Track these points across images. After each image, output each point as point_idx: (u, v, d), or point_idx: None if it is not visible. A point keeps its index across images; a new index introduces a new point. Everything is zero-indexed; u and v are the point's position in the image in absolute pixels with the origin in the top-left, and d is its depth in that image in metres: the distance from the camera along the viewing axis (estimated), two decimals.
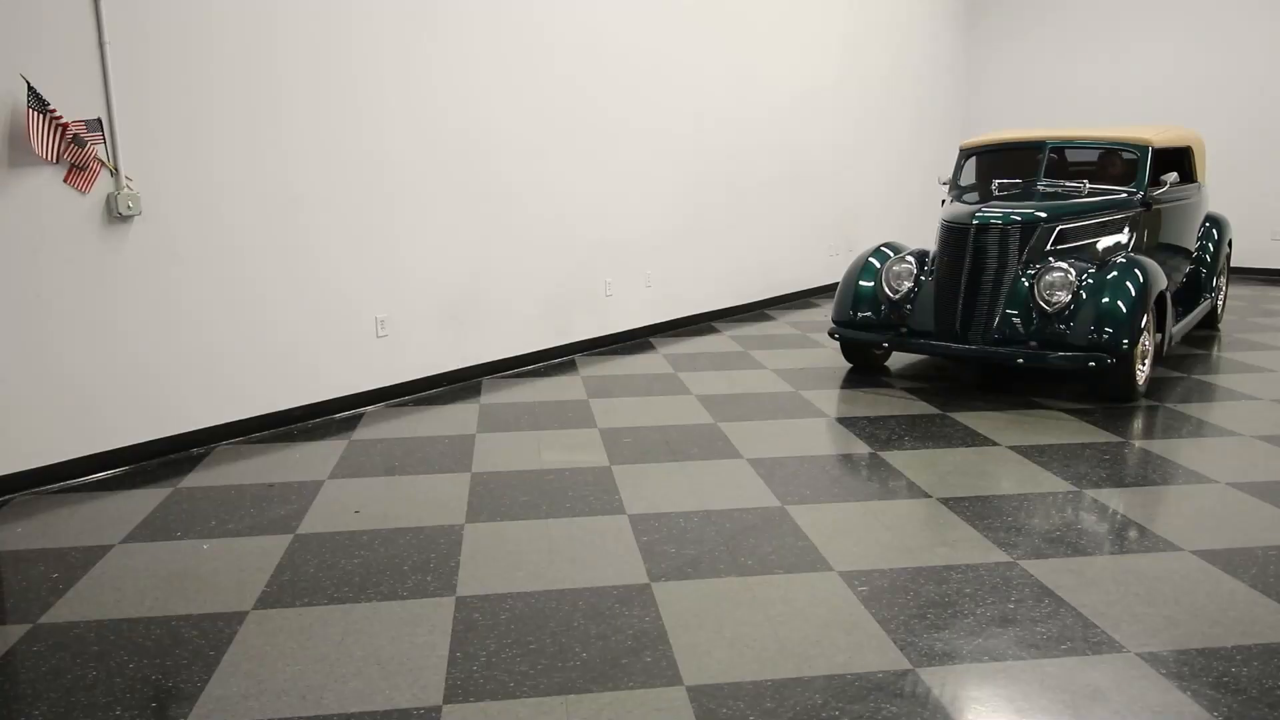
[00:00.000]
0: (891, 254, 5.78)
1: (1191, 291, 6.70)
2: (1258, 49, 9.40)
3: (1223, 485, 3.89)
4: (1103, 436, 4.57)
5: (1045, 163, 6.01)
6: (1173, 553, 3.25)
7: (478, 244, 5.75)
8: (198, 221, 4.42)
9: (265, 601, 2.98)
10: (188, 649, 2.70)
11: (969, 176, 6.37)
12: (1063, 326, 4.91)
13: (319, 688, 2.49)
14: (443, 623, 2.82)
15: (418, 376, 5.52)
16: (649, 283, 7.08)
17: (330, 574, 3.17)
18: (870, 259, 5.81)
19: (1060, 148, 6.12)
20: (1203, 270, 6.83)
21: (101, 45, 3.99)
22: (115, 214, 4.11)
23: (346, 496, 3.90)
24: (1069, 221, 5.32)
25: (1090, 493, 3.81)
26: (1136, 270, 4.97)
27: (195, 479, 4.14)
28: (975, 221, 5.17)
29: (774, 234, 8.41)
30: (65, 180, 3.95)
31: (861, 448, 4.45)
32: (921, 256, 5.62)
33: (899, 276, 5.54)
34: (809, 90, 8.58)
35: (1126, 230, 5.65)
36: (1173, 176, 5.81)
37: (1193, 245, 6.79)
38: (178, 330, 4.39)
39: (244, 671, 2.58)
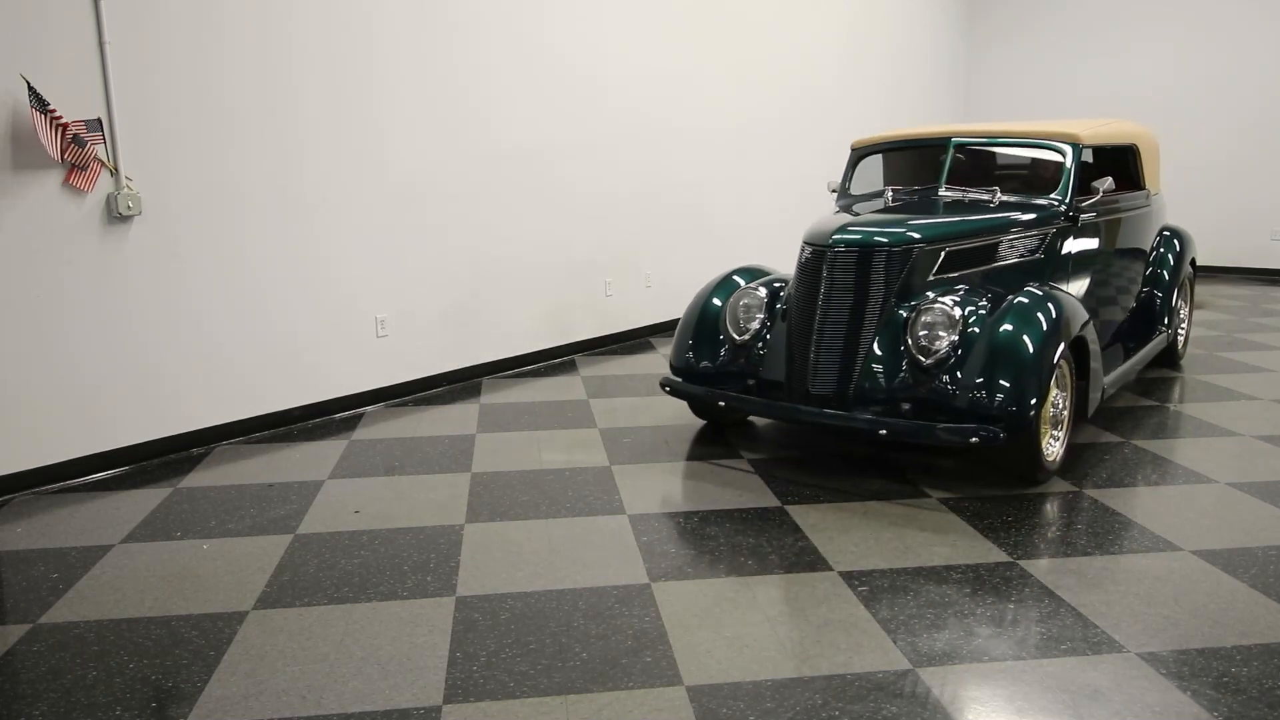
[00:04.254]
0: (744, 281, 4.56)
1: (1140, 325, 5.47)
2: (1257, 49, 9.40)
3: (1223, 485, 3.88)
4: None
5: (948, 165, 4.81)
6: (1173, 553, 3.25)
7: (478, 244, 5.75)
8: (198, 221, 4.42)
9: (265, 601, 2.98)
10: (188, 649, 2.70)
11: (868, 182, 5.26)
12: (944, 385, 3.67)
13: (319, 688, 2.49)
14: (443, 623, 2.82)
15: (418, 376, 5.52)
16: (649, 283, 7.08)
17: (330, 574, 3.17)
18: (718, 287, 4.57)
19: (970, 146, 4.96)
20: (1156, 297, 5.56)
21: (101, 45, 3.99)
22: (115, 214, 4.11)
23: (346, 496, 3.90)
24: (961, 241, 4.11)
25: (1091, 492, 3.81)
26: (1042, 308, 3.78)
27: (195, 479, 4.14)
28: (831, 242, 3.94)
29: (776, 233, 8.41)
30: (65, 180, 3.95)
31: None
32: (781, 285, 4.42)
33: (747, 311, 4.28)
34: (809, 90, 8.58)
35: (1043, 251, 4.45)
36: (1107, 182, 4.56)
37: (1141, 267, 5.56)
38: (178, 330, 4.39)
39: (244, 671, 2.58)
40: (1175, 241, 5.80)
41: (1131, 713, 2.33)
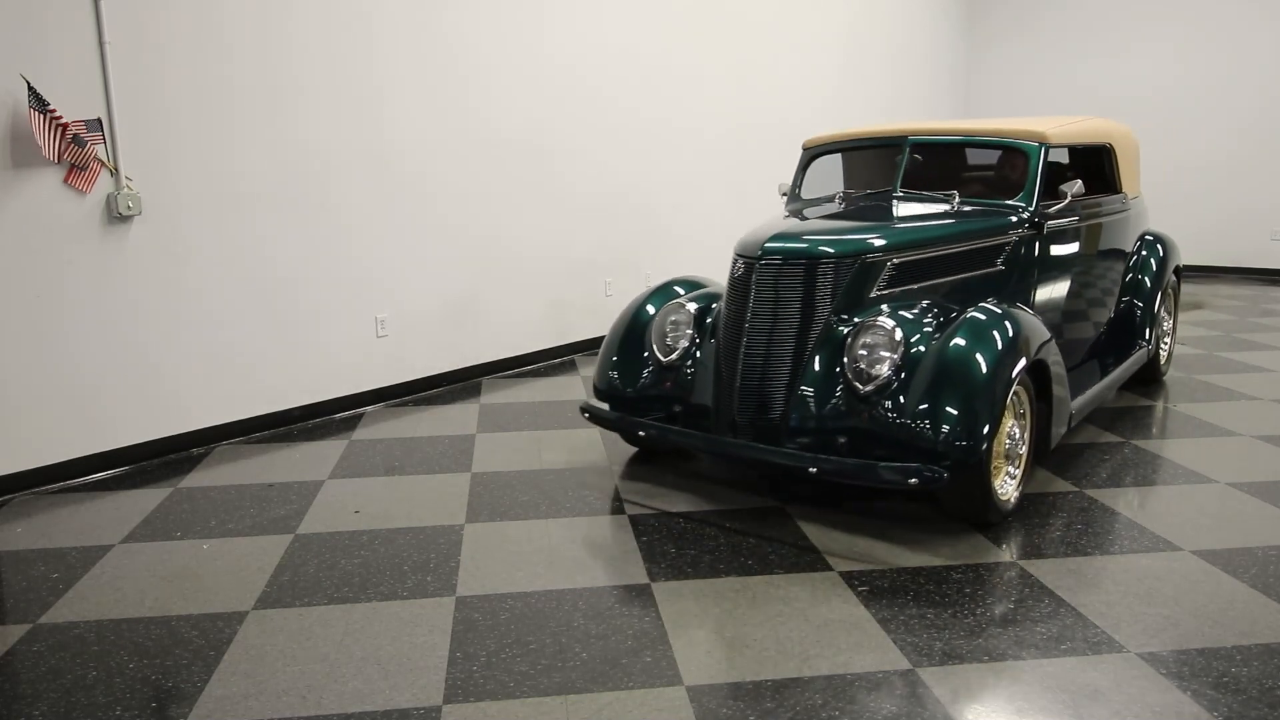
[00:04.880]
0: (681, 292, 4.14)
1: (1118, 339, 5.08)
2: (1257, 49, 9.40)
3: (1223, 485, 3.88)
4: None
5: (904, 167, 4.42)
6: (1173, 553, 3.25)
7: (478, 244, 5.75)
8: (198, 222, 4.42)
9: (265, 601, 2.98)
10: (188, 649, 2.70)
11: (821, 185, 4.84)
12: (883, 415, 3.26)
13: (319, 688, 2.49)
14: (443, 623, 2.82)
15: (418, 376, 5.52)
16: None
17: (330, 574, 3.17)
18: (650, 299, 4.15)
19: (929, 146, 4.53)
20: (1135, 308, 5.13)
21: (101, 45, 3.99)
22: (115, 214, 4.11)
23: (346, 496, 3.90)
24: (910, 252, 3.66)
25: (1091, 492, 3.81)
26: (996, 326, 3.36)
27: (195, 479, 4.14)
28: (760, 253, 3.53)
29: None
30: (65, 180, 3.95)
31: None
32: (716, 299, 4.01)
33: (675, 328, 3.88)
34: (809, 90, 8.58)
35: (1005, 261, 4.01)
36: (1075, 186, 4.14)
37: (1118, 276, 5.15)
38: (178, 330, 4.39)
39: (244, 671, 2.58)
40: (1157, 247, 5.36)
41: (1131, 713, 2.33)
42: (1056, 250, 4.33)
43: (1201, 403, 5.11)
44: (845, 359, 3.37)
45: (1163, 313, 5.34)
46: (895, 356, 3.30)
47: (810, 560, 3.21)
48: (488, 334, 5.89)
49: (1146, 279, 5.22)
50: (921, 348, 3.33)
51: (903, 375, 3.28)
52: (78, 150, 3.91)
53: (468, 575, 3.14)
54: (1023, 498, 3.73)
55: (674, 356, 3.83)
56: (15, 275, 3.87)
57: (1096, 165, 5.01)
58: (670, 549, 3.32)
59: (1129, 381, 4.94)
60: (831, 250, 3.52)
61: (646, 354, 3.94)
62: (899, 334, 3.33)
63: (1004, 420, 3.36)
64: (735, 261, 3.65)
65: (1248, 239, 9.63)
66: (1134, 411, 4.96)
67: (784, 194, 4.93)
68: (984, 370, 3.21)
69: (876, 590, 2.99)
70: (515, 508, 3.73)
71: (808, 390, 3.42)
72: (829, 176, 4.91)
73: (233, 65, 4.46)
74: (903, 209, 4.20)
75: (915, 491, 3.60)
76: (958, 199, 4.17)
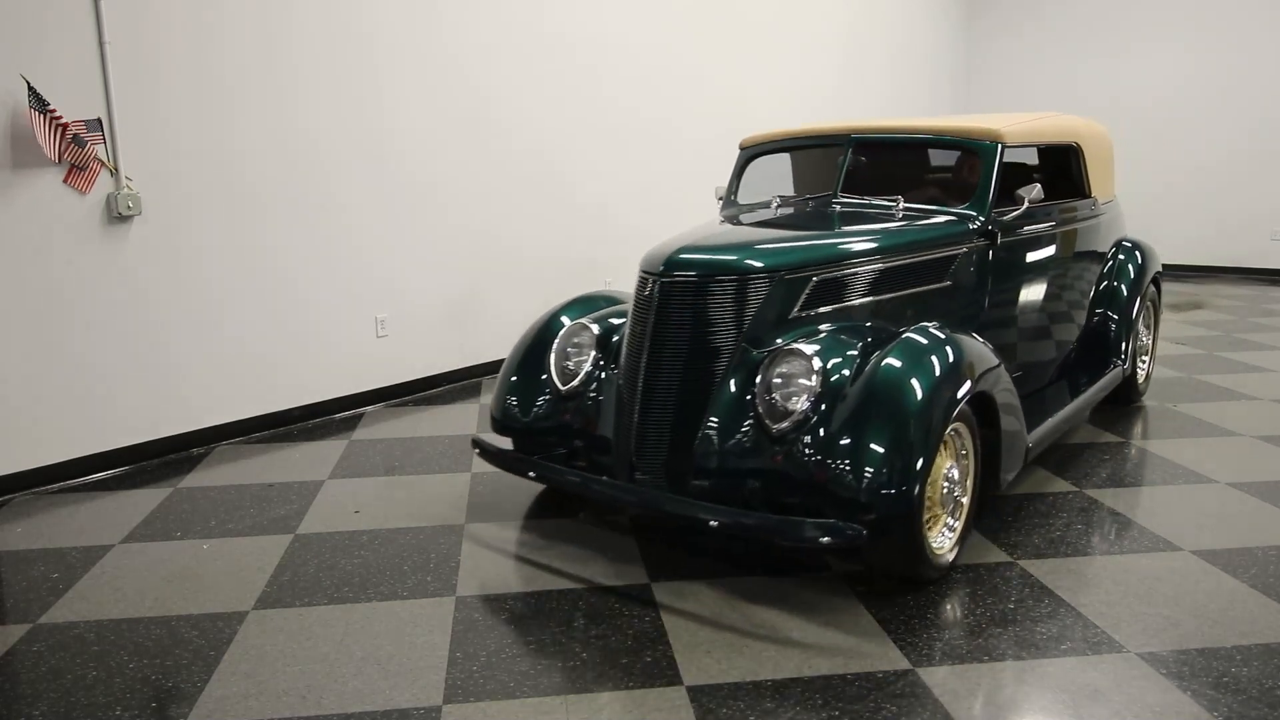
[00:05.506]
0: (589, 310, 3.73)
1: (1089, 357, 4.69)
2: (1258, 49, 9.39)
3: (1223, 485, 3.88)
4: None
5: (845, 168, 4.00)
6: (1173, 553, 3.25)
7: (478, 244, 5.75)
8: (198, 222, 4.42)
9: (265, 601, 2.98)
10: (188, 649, 2.70)
11: (769, 188, 4.37)
12: (799, 459, 2.80)
13: (319, 688, 2.49)
14: (443, 623, 2.82)
15: (418, 376, 5.52)
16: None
17: (330, 574, 3.17)
18: (555, 318, 3.71)
19: (874, 146, 4.09)
20: (1109, 324, 4.70)
21: (101, 45, 3.99)
22: (115, 214, 4.11)
23: (346, 496, 3.90)
24: (837, 266, 3.24)
25: (1091, 492, 3.81)
26: (933, 353, 2.93)
27: (195, 479, 4.14)
28: (663, 269, 3.09)
29: None
30: (65, 180, 3.95)
31: None
32: (625, 319, 3.44)
33: (579, 351, 3.47)
34: (807, 89, 8.58)
35: (952, 276, 3.60)
36: (1033, 190, 3.72)
37: (1089, 289, 4.72)
38: (177, 330, 4.39)
39: (244, 671, 2.58)
40: (1135, 255, 4.94)
41: (1131, 713, 2.33)
42: (1014, 262, 3.93)
43: (1201, 403, 5.11)
44: (757, 392, 2.91)
45: (1141, 327, 4.93)
46: (813, 389, 2.84)
47: (810, 561, 3.21)
48: (488, 334, 5.89)
49: (1121, 290, 4.78)
50: (842, 380, 2.88)
51: (822, 411, 2.82)
52: (78, 150, 3.91)
53: (468, 575, 3.14)
54: (1023, 499, 3.73)
55: (574, 384, 3.38)
56: (15, 275, 3.87)
57: (1063, 167, 4.59)
58: (671, 548, 3.32)
59: (1102, 406, 4.74)
60: (745, 265, 3.06)
61: (546, 380, 3.48)
62: (818, 363, 2.88)
63: (940, 462, 2.94)
64: (640, 279, 3.19)
65: (1248, 239, 9.63)
66: (1134, 411, 4.96)
67: (720, 198, 4.53)
68: (914, 405, 2.77)
69: (876, 590, 2.98)
70: (515, 507, 3.73)
71: (714, 428, 2.95)
72: (780, 178, 4.55)
73: (233, 65, 4.46)
74: (847, 215, 3.81)
75: (831, 550, 3.17)
76: (902, 205, 3.78)
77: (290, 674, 2.56)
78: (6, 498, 3.92)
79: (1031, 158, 4.81)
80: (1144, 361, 5.12)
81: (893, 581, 3.03)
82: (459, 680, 2.51)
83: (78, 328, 4.06)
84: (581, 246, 6.46)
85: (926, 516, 2.89)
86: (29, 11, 3.80)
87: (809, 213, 3.94)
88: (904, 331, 3.03)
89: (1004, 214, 3.78)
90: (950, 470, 3.02)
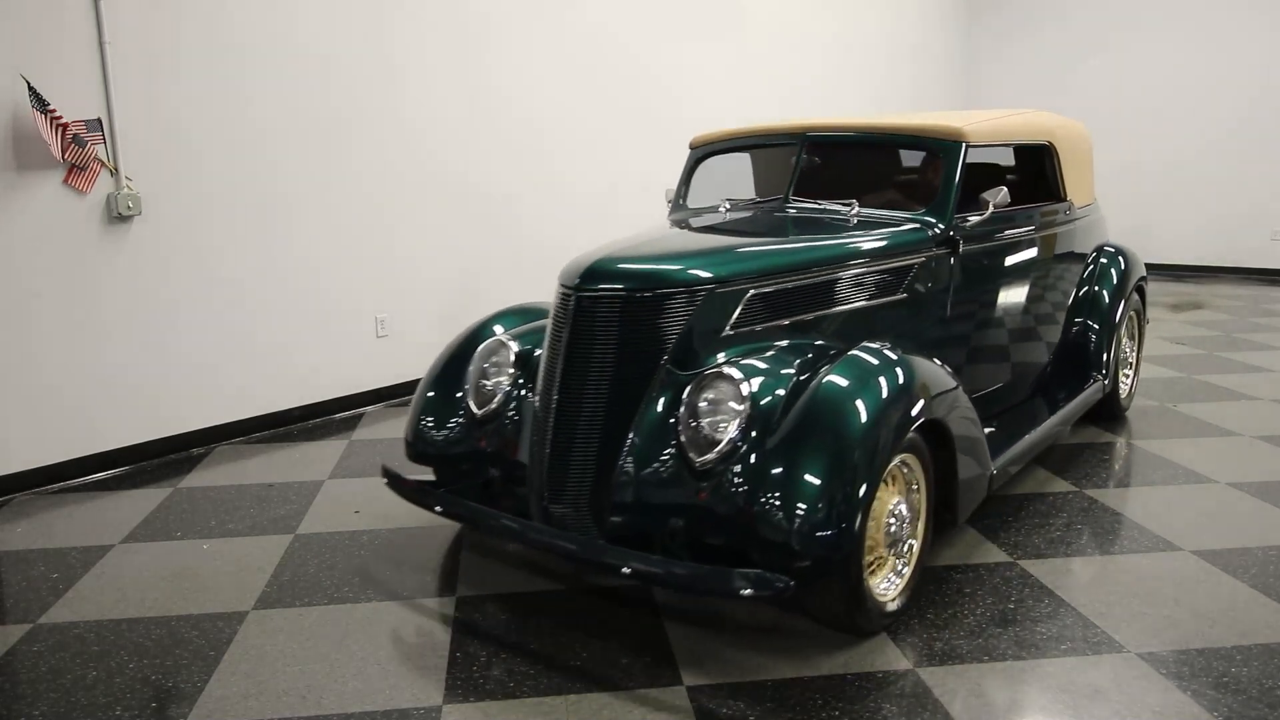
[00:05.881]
0: (518, 324, 3.50)
1: (1066, 371, 4.41)
2: (1259, 48, 9.39)
3: (1223, 485, 3.88)
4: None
5: (798, 170, 3.74)
6: (1173, 553, 3.25)
7: (477, 244, 5.75)
8: (198, 222, 4.42)
9: (265, 601, 2.98)
10: (188, 649, 2.70)
11: (727, 190, 4.08)
12: (724, 497, 2.49)
13: (319, 688, 2.49)
14: (443, 623, 2.82)
15: (418, 376, 5.51)
16: None
17: (330, 574, 3.17)
18: (477, 333, 3.48)
19: (829, 146, 3.80)
20: (1089, 336, 4.43)
21: (101, 45, 3.99)
22: (115, 214, 4.11)
23: (346, 496, 3.90)
24: (776, 279, 2.93)
25: (1091, 492, 3.81)
26: (877, 376, 2.65)
27: (195, 479, 4.14)
28: (578, 283, 2.78)
29: None
30: (65, 180, 3.95)
31: None
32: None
33: (498, 370, 3.15)
34: (807, 87, 8.58)
35: (907, 288, 3.31)
36: (999, 194, 3.47)
37: (1065, 299, 4.42)
38: (177, 330, 4.39)
39: (244, 671, 2.58)
40: (1117, 261, 4.66)
41: (1131, 713, 2.33)
42: (979, 272, 3.65)
43: (1201, 403, 5.11)
44: (680, 420, 2.60)
45: (1123, 338, 4.65)
46: (742, 417, 2.53)
47: None
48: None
49: (1102, 299, 4.50)
50: (773, 407, 2.57)
51: (751, 442, 2.52)
52: (78, 150, 3.91)
53: (468, 575, 3.14)
54: (1023, 499, 3.73)
55: (491, 407, 3.05)
56: (15, 275, 3.87)
57: (1036, 168, 4.30)
58: None
59: (1082, 420, 4.51)
60: (670, 278, 2.75)
61: (462, 402, 3.17)
62: (748, 387, 2.57)
63: (884, 499, 2.67)
64: (557, 292, 2.87)
65: (1248, 239, 9.63)
66: (1134, 411, 4.96)
67: (670, 200, 4.25)
68: (854, 434, 2.48)
69: None
70: None
71: (633, 461, 2.63)
72: (741, 179, 4.29)
73: (233, 65, 4.45)
74: (789, 222, 3.53)
75: (756, 602, 2.86)
76: (857, 209, 3.51)
77: (290, 674, 2.56)
78: (6, 498, 3.92)
79: (1007, 158, 4.52)
80: (1127, 375, 4.88)
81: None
82: (459, 680, 2.51)
83: (78, 328, 4.06)
84: (583, 244, 6.44)
85: (869, 559, 2.61)
86: (29, 11, 3.80)
87: (757, 218, 3.66)
88: (847, 351, 2.73)
89: (967, 220, 3.50)
90: (897, 507, 2.71)
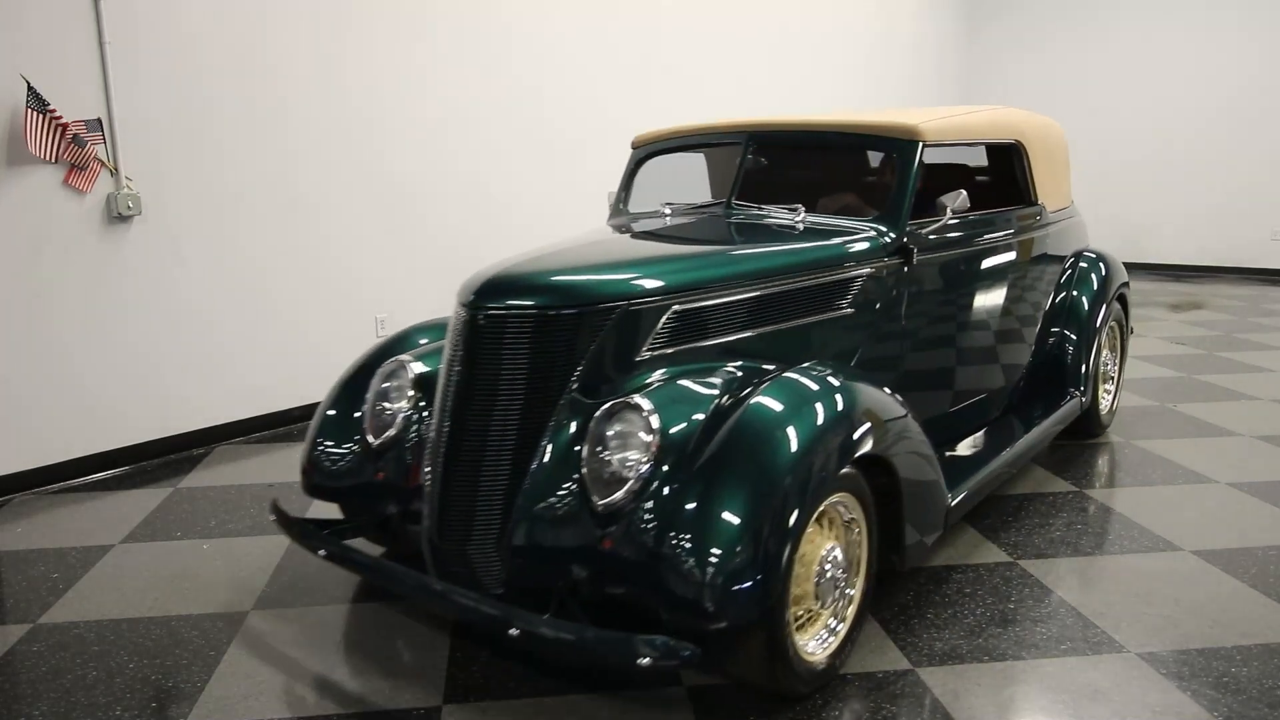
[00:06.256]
0: (412, 348, 3.12)
1: (1039, 388, 4.13)
2: (1259, 46, 9.39)
3: (1223, 485, 3.88)
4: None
5: (742, 171, 3.45)
6: (1173, 553, 3.25)
7: (477, 242, 5.75)
8: (198, 221, 4.42)
9: (265, 601, 2.98)
10: (188, 649, 2.70)
11: (663, 194, 3.75)
12: (630, 545, 2.17)
13: (319, 688, 2.49)
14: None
15: None
16: None
17: (330, 574, 3.17)
18: (384, 350, 3.18)
19: (776, 145, 3.55)
20: (1065, 349, 4.16)
21: (101, 45, 3.99)
22: (115, 214, 4.11)
23: None
24: (703, 294, 2.63)
25: (1091, 492, 3.81)
26: (810, 403, 2.36)
27: (195, 479, 4.14)
28: (472, 299, 2.47)
29: None
30: (65, 180, 3.95)
31: None
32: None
33: (398, 393, 2.81)
34: (802, 90, 8.59)
35: (855, 303, 3.02)
36: (958, 199, 3.20)
37: (1037, 311, 4.11)
38: (178, 330, 4.39)
39: (244, 672, 2.58)
40: (1099, 267, 4.40)
41: (1131, 713, 2.33)
42: (937, 283, 3.34)
43: (1201, 403, 5.11)
44: (584, 457, 2.29)
45: (1104, 351, 4.39)
46: (651, 453, 2.21)
47: None
48: None
49: (1080, 309, 4.22)
50: (693, 439, 2.25)
51: (661, 482, 2.20)
52: (78, 150, 3.91)
53: None
54: (1023, 499, 3.73)
55: (390, 435, 2.73)
56: (15, 275, 3.87)
57: (1005, 167, 4.02)
58: None
59: (1061, 435, 4.26)
60: (577, 294, 2.43)
61: (360, 428, 2.84)
62: (659, 419, 2.24)
63: (815, 544, 2.36)
64: (454, 310, 2.55)
65: (1248, 239, 9.63)
66: (1133, 411, 4.96)
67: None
68: (778, 472, 2.17)
69: (876, 591, 2.98)
70: None
71: (532, 502, 2.30)
72: (696, 181, 4.00)
73: (233, 65, 4.45)
74: (733, 228, 3.26)
75: (661, 672, 2.51)
76: (803, 214, 3.21)
77: (290, 674, 2.56)
78: (6, 498, 3.92)
79: (979, 159, 4.23)
80: (1108, 390, 4.59)
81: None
82: (459, 680, 2.51)
83: (78, 327, 4.06)
84: None
85: (799, 612, 2.33)
86: (29, 11, 3.80)
87: (695, 224, 3.39)
88: (776, 376, 2.43)
89: (923, 227, 3.21)
90: (831, 553, 2.40)
